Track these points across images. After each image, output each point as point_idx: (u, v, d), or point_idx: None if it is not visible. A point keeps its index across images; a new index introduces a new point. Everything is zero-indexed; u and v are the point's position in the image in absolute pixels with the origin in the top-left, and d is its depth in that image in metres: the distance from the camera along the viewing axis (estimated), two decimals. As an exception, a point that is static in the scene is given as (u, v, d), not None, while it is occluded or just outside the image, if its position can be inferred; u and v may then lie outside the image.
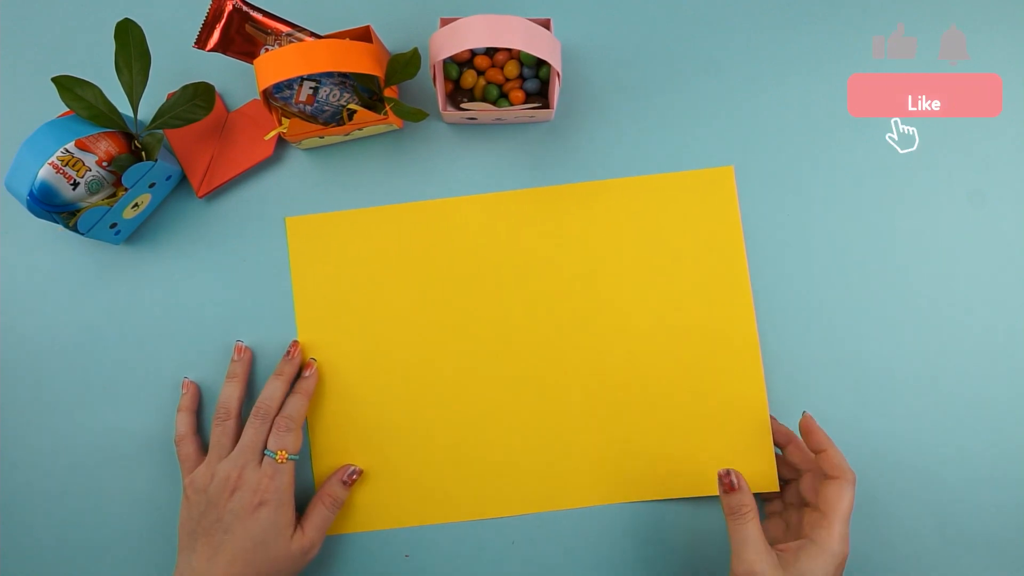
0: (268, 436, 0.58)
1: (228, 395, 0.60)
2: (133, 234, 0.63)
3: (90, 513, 0.62)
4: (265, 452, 0.57)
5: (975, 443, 0.60)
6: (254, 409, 0.59)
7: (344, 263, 0.62)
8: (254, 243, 0.63)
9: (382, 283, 0.62)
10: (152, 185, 0.60)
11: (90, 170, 0.57)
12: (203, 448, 0.61)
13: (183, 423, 0.60)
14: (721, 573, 0.60)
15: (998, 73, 0.62)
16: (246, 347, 0.62)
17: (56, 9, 0.65)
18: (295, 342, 0.62)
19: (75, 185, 0.57)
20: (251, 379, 0.62)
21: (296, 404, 0.59)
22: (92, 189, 0.58)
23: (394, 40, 0.63)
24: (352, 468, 0.60)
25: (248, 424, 0.58)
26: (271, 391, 0.59)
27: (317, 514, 0.58)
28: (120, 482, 0.62)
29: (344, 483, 0.60)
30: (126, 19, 0.55)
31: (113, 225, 0.60)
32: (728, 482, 0.55)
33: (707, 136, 0.63)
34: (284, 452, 0.57)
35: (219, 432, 0.59)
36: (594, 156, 0.63)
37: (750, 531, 0.52)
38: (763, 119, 0.62)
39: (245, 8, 0.59)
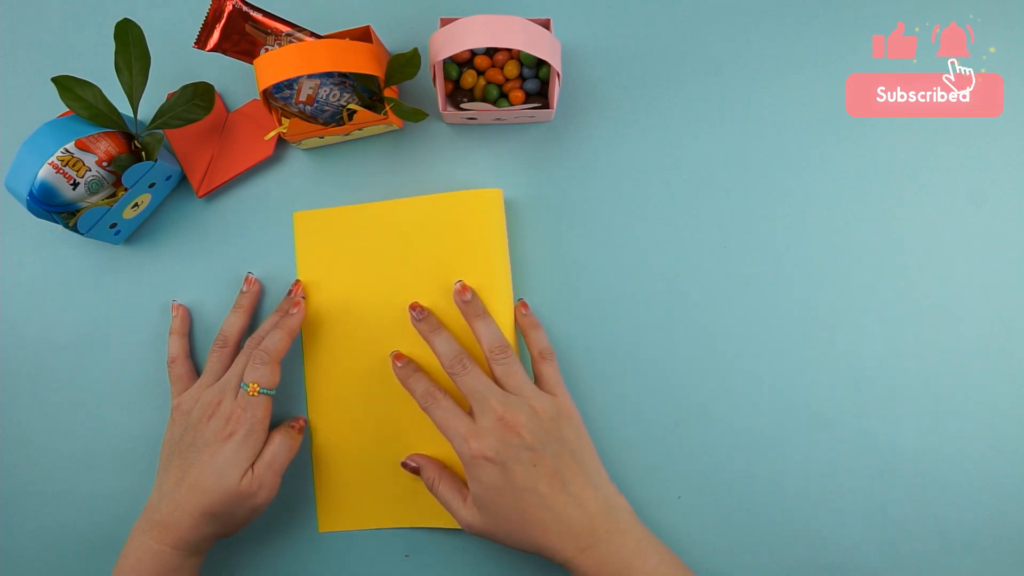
0: None
1: (230, 324, 0.61)
2: (133, 234, 0.64)
3: (90, 513, 0.63)
4: (241, 384, 0.58)
5: (975, 444, 0.60)
6: (247, 342, 0.60)
7: (350, 257, 0.62)
8: (254, 243, 0.63)
9: (388, 277, 0.62)
10: (152, 185, 0.60)
11: (90, 170, 0.57)
12: (196, 371, 0.62)
13: (175, 345, 0.61)
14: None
15: (999, 73, 0.62)
16: (256, 279, 0.62)
17: (56, 9, 0.65)
18: (297, 281, 0.62)
19: (75, 185, 0.57)
20: (256, 313, 0.63)
21: (275, 339, 0.58)
22: (92, 189, 0.58)
23: (394, 40, 0.63)
24: (299, 416, 0.61)
25: (240, 354, 0.59)
26: (266, 326, 0.60)
27: (267, 450, 0.57)
28: (119, 482, 0.62)
29: (292, 427, 0.60)
30: (126, 19, 0.55)
31: (113, 225, 0.60)
32: (411, 468, 0.60)
33: (707, 136, 0.62)
34: (255, 385, 0.57)
35: (214, 359, 0.60)
36: (594, 156, 0.63)
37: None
38: (763, 119, 0.62)
39: (245, 8, 0.59)
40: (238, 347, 0.61)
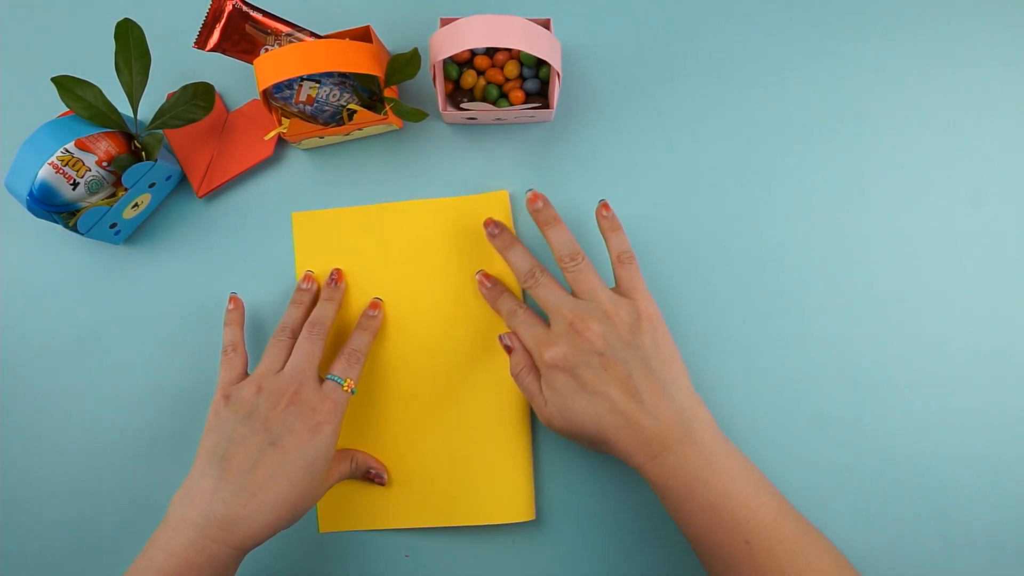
0: (319, 354, 0.57)
1: (294, 317, 0.60)
2: (133, 234, 0.64)
3: (90, 513, 0.63)
4: (330, 376, 0.57)
5: (976, 444, 0.60)
6: (307, 325, 0.58)
7: (348, 259, 0.63)
8: (254, 243, 0.63)
9: (385, 279, 0.62)
10: (152, 185, 0.60)
11: (90, 170, 0.57)
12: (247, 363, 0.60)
13: (235, 333, 0.60)
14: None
15: (997, 72, 0.62)
16: (315, 278, 0.62)
17: (56, 9, 0.65)
18: (339, 270, 0.62)
19: (75, 185, 0.57)
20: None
21: (365, 339, 0.60)
22: (92, 189, 0.58)
23: (394, 40, 0.63)
24: (384, 473, 0.61)
25: (301, 339, 0.58)
26: (324, 311, 0.59)
27: (338, 467, 0.59)
28: (120, 482, 0.62)
29: (368, 473, 0.60)
30: (126, 19, 0.55)
31: (113, 225, 0.60)
32: (505, 345, 0.59)
33: (707, 136, 0.63)
34: (351, 381, 0.57)
35: (278, 348, 0.58)
36: (594, 156, 0.63)
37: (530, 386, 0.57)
38: (763, 119, 0.62)
39: (245, 8, 0.59)
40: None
